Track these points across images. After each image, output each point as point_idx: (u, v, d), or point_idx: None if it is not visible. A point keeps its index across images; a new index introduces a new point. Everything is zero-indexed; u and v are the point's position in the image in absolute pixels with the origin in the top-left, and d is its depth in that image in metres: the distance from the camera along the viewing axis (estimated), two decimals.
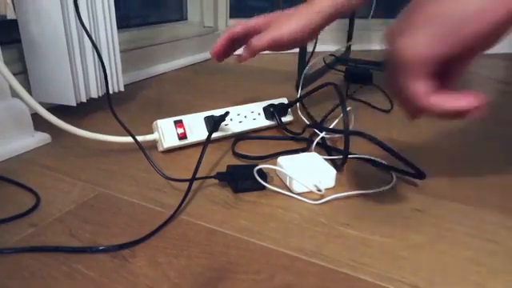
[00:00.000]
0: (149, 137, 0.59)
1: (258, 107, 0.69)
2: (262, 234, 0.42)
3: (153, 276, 0.36)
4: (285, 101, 0.71)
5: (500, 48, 0.50)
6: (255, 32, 0.53)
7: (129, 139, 0.57)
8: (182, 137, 0.60)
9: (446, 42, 0.28)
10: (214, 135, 0.62)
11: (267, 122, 0.69)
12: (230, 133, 0.65)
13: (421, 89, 0.30)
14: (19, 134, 0.59)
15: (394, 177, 0.53)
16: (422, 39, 0.29)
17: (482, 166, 0.59)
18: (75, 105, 0.69)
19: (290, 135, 0.66)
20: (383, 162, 0.55)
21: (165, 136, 0.59)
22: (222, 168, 0.52)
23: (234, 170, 0.50)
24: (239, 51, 0.57)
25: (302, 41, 0.54)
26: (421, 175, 0.50)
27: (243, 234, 0.42)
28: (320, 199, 0.47)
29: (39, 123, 0.62)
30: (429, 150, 0.65)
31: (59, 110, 0.72)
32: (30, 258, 0.37)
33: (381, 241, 0.41)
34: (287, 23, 0.50)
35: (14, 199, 0.47)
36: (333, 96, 0.66)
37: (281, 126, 0.69)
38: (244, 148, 0.62)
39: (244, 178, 0.49)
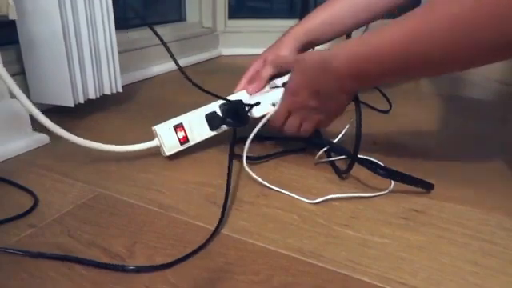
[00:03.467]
0: (150, 144, 0.56)
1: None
2: (261, 234, 0.42)
3: (151, 277, 0.36)
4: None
5: None
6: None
7: (127, 148, 0.56)
8: (184, 141, 0.57)
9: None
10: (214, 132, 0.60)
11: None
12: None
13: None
14: (17, 134, 0.59)
15: None
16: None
17: (480, 166, 0.59)
18: (73, 106, 0.69)
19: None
20: (389, 167, 0.52)
21: (165, 143, 0.56)
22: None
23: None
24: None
25: None
26: (429, 186, 0.50)
27: (242, 234, 0.42)
28: (319, 198, 0.47)
29: (37, 124, 0.62)
30: (428, 150, 0.65)
31: (57, 110, 0.72)
32: (29, 259, 0.37)
33: (380, 241, 0.41)
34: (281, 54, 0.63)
35: (12, 200, 0.47)
36: None
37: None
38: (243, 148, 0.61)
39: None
